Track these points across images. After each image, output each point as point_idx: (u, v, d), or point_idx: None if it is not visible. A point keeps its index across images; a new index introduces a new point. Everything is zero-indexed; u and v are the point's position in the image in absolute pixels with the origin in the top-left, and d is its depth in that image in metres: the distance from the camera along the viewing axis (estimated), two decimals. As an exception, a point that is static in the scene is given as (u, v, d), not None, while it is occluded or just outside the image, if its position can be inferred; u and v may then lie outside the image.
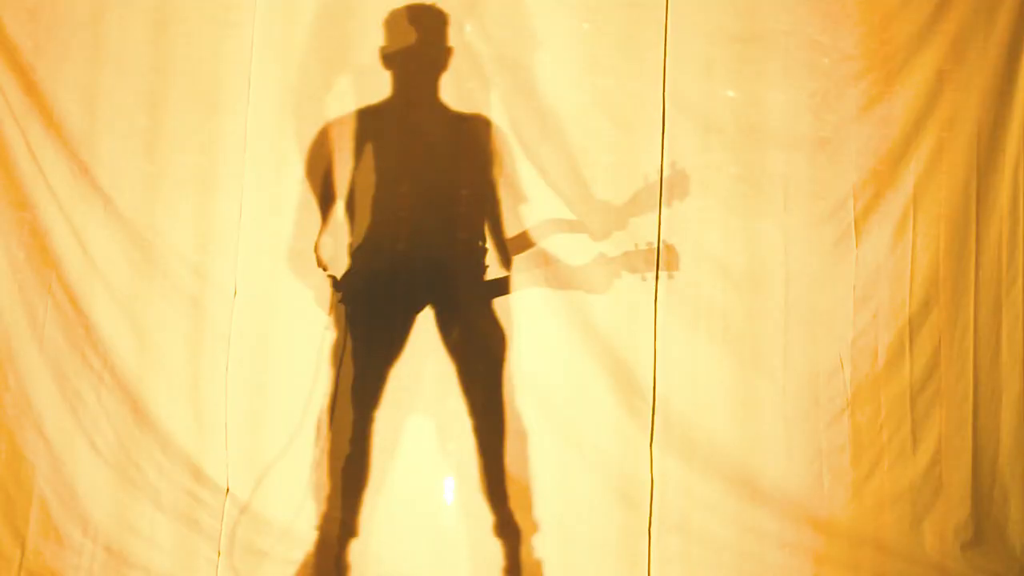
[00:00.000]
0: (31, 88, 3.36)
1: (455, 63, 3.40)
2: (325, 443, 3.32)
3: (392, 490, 3.34)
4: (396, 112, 3.39)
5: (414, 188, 3.37)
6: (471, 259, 3.37)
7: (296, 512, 3.32)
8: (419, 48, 3.38)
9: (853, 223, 3.54)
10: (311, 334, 3.36)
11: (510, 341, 3.37)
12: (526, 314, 3.40)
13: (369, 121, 3.39)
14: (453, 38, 3.40)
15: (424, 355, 3.34)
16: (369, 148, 3.37)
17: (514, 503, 3.32)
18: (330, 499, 3.31)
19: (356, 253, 3.36)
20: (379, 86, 3.39)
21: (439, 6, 3.39)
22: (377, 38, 3.40)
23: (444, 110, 3.39)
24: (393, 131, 3.39)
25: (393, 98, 3.39)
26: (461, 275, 3.37)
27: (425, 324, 3.35)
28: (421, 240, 3.35)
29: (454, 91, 3.39)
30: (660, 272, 3.36)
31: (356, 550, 3.29)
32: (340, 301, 3.34)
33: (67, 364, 3.32)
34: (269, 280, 3.40)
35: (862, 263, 3.54)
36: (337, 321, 3.35)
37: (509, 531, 3.31)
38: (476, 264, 3.37)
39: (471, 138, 3.42)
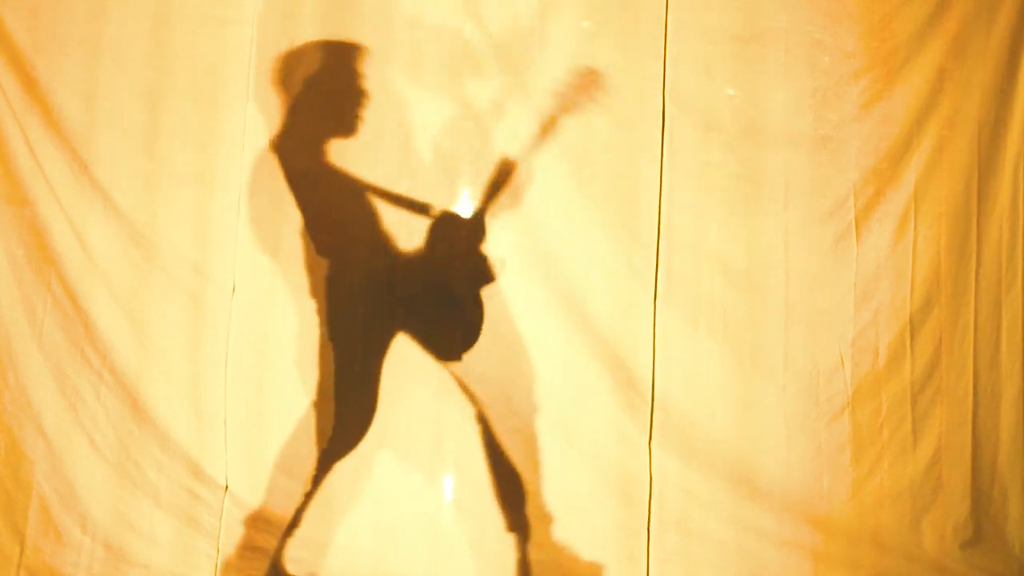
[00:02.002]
0: (31, 85, 3.36)
1: (456, 62, 3.40)
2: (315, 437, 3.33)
3: (390, 490, 3.35)
4: None
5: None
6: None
7: (293, 509, 3.33)
8: None
9: (854, 221, 3.53)
10: (309, 331, 3.37)
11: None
12: (526, 314, 3.40)
13: None
14: (454, 37, 3.41)
15: (420, 357, 3.36)
16: None
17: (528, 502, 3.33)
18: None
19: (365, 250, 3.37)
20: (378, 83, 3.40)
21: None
22: (377, 35, 3.40)
23: None
24: None
25: None
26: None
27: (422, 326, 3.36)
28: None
29: (454, 90, 3.39)
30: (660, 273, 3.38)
31: (354, 550, 3.30)
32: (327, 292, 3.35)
33: (66, 362, 3.32)
34: (268, 277, 3.39)
35: (863, 262, 3.54)
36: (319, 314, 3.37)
37: (519, 528, 3.32)
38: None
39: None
